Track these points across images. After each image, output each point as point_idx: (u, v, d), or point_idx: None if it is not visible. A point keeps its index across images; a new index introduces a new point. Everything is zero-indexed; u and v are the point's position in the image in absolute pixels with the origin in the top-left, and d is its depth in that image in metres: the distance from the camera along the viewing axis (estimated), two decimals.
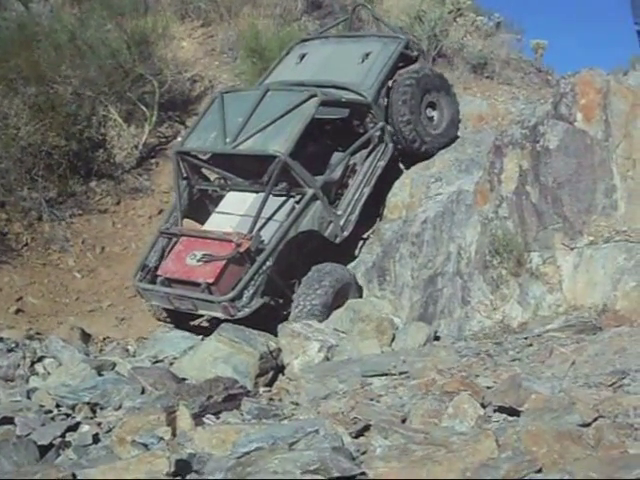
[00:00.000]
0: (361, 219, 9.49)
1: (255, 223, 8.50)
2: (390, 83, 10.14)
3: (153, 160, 12.10)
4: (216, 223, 9.04)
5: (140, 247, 10.66)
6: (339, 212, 9.25)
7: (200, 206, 9.65)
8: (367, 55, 10.18)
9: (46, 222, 10.48)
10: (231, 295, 8.24)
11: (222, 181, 9.61)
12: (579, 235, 7.64)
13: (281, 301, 8.76)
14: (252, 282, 8.34)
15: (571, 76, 8.17)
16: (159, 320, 9.36)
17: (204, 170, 9.80)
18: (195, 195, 9.67)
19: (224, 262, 8.38)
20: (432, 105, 10.29)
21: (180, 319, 9.20)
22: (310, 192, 8.86)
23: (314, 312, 8.38)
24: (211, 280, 8.29)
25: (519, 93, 13.62)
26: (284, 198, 8.99)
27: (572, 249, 7.62)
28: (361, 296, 9.02)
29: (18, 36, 11.86)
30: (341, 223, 9.22)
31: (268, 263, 8.43)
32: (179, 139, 12.07)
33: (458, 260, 8.57)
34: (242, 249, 8.34)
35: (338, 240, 9.23)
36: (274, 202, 8.88)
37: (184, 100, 13.00)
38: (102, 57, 11.93)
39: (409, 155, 10.22)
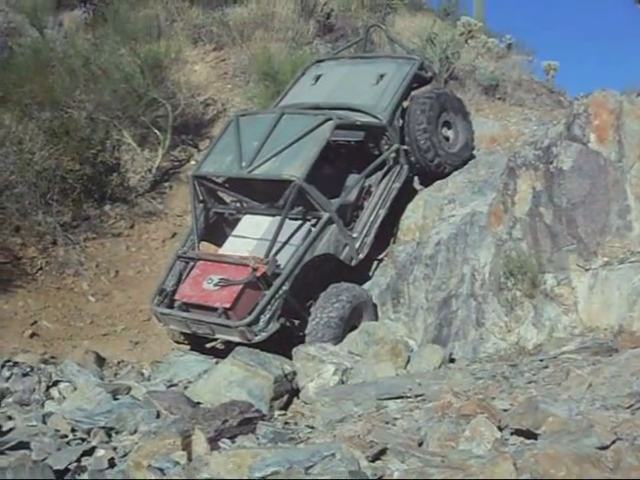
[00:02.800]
0: (375, 241, 9.48)
1: (271, 247, 8.49)
2: (406, 103, 10.19)
3: (167, 184, 12.15)
4: (232, 247, 9.04)
5: (154, 271, 10.69)
6: (354, 235, 9.25)
7: (217, 229, 9.67)
8: (382, 76, 10.22)
9: (60, 246, 10.51)
10: (248, 320, 8.21)
11: (238, 204, 9.63)
12: (593, 256, 7.61)
13: (297, 322, 8.73)
14: (269, 306, 8.31)
15: (584, 97, 8.17)
16: (177, 342, 9.38)
17: (220, 193, 9.81)
18: (212, 218, 9.68)
19: (241, 287, 8.37)
20: (448, 125, 10.34)
21: (196, 341, 9.20)
22: (326, 216, 8.86)
23: (330, 324, 8.37)
24: (228, 305, 8.28)
25: (531, 114, 13.60)
26: (300, 222, 8.98)
27: (587, 270, 7.58)
28: (376, 318, 9.01)
29: (33, 61, 12.00)
30: (357, 246, 9.21)
31: (284, 287, 8.40)
32: (192, 163, 12.16)
33: (472, 282, 8.54)
34: (258, 274, 8.31)
35: (354, 263, 9.22)
36: (290, 226, 8.87)
37: (197, 124, 13.07)
38: (116, 82, 12.03)
39: (422, 169, 10.21)
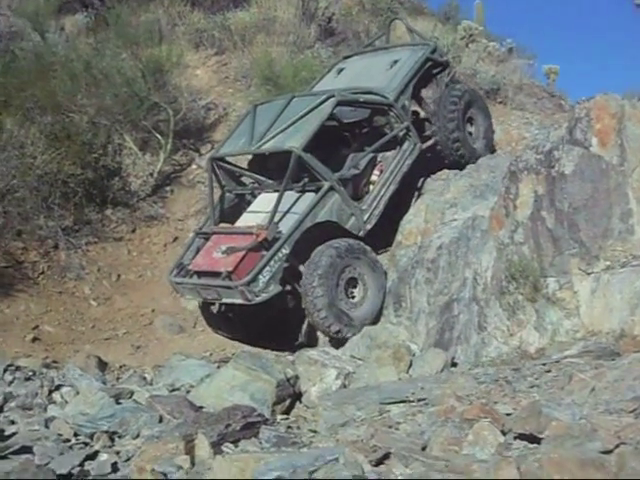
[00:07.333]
0: (377, 245, 9.53)
1: (273, 215, 8.96)
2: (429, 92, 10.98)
3: (168, 188, 12.16)
4: (245, 220, 9.56)
5: (155, 275, 10.72)
6: (364, 207, 9.63)
7: (236, 209, 10.14)
8: (395, 62, 10.70)
9: (62, 250, 10.52)
10: (247, 279, 8.64)
11: (256, 184, 10.16)
12: (595, 260, 7.58)
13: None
14: (267, 268, 8.75)
15: (586, 101, 8.15)
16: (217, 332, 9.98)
17: (243, 178, 10.37)
18: (232, 200, 10.24)
19: (244, 252, 8.84)
20: (471, 121, 10.88)
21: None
22: (327, 185, 9.23)
23: (324, 325, 8.89)
24: (230, 268, 8.80)
25: (532, 118, 13.62)
26: (306, 193, 9.42)
27: (589, 274, 7.55)
28: (380, 271, 9.37)
29: (34, 66, 12.03)
30: (365, 217, 9.58)
31: (284, 251, 8.87)
32: (194, 167, 12.20)
33: (474, 286, 8.52)
34: (260, 238, 8.82)
35: (362, 233, 9.57)
36: (296, 197, 9.37)
37: (198, 128, 13.09)
38: (117, 86, 12.05)
39: (445, 158, 10.68)
